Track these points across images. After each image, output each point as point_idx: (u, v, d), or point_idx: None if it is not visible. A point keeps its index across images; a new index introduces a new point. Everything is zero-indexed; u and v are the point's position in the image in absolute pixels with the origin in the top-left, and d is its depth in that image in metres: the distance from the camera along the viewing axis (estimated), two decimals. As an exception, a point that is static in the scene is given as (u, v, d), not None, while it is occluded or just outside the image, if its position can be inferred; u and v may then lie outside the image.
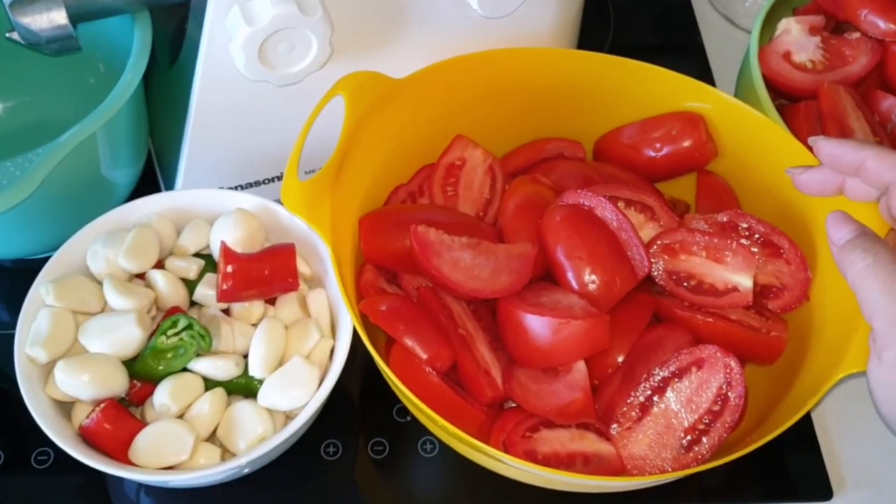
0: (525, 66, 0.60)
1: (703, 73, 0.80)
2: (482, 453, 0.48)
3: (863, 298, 0.46)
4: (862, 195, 0.51)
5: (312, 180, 0.52)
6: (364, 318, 0.52)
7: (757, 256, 0.55)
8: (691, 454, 0.49)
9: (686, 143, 0.59)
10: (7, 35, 0.54)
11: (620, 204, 0.55)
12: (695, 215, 0.57)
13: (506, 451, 0.49)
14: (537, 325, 0.50)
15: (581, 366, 0.50)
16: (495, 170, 0.60)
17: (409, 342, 0.51)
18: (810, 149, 0.52)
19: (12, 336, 0.52)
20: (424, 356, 0.51)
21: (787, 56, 0.65)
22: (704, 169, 0.61)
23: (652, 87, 0.60)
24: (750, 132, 0.58)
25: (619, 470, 0.50)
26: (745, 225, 0.56)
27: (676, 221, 0.56)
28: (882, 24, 0.63)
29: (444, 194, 0.59)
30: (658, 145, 0.60)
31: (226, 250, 0.53)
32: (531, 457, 0.49)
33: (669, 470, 0.49)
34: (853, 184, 0.51)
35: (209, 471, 0.49)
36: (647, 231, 0.55)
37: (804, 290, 0.55)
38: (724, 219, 0.56)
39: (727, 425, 0.49)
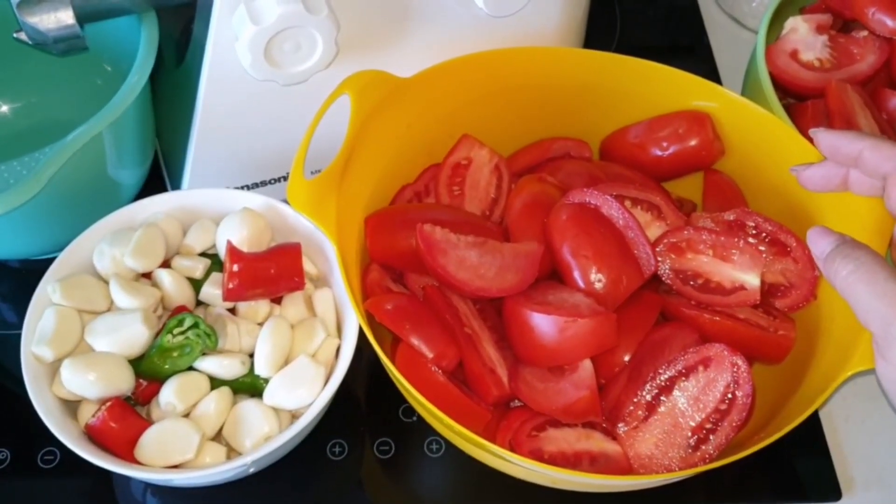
0: (531, 65, 0.60)
1: (710, 73, 0.80)
2: (488, 452, 0.48)
3: (854, 304, 0.46)
4: (866, 188, 0.51)
5: (318, 179, 0.52)
6: (370, 318, 0.52)
7: (764, 255, 0.55)
8: (698, 453, 0.49)
9: (693, 142, 0.59)
10: (14, 35, 0.54)
11: (627, 203, 0.55)
12: (701, 214, 0.56)
13: (512, 450, 0.49)
14: (543, 324, 0.50)
15: (587, 364, 0.50)
16: (501, 169, 0.60)
17: (414, 341, 0.51)
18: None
19: (19, 336, 0.52)
20: (430, 355, 0.51)
21: (794, 55, 0.64)
22: (711, 168, 0.61)
23: (658, 85, 0.60)
24: (757, 130, 0.58)
25: (626, 469, 0.50)
26: (752, 223, 0.55)
27: (683, 220, 0.56)
28: (890, 22, 0.63)
29: (451, 193, 0.59)
30: (665, 144, 0.60)
31: (232, 249, 0.53)
32: (537, 456, 0.49)
33: (676, 469, 0.49)
34: (856, 177, 0.51)
35: (215, 470, 0.49)
36: (654, 230, 0.55)
37: (812, 288, 0.54)
38: (731, 217, 0.56)
39: (734, 424, 0.49)
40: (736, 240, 0.53)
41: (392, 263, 0.56)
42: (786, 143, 0.57)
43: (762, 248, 0.55)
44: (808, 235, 0.50)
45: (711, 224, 0.55)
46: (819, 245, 0.49)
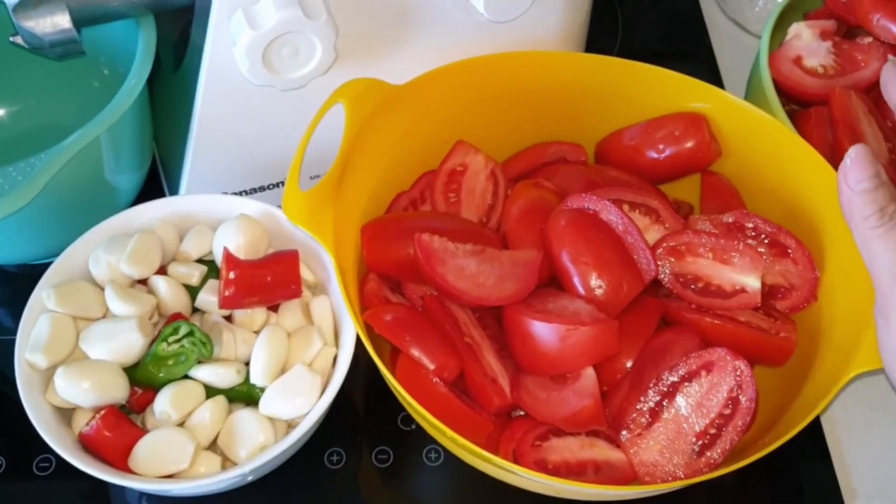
0: (525, 69, 0.59)
1: (713, 78, 0.79)
2: (493, 465, 0.47)
3: (870, 258, 0.44)
4: None
5: (314, 190, 0.51)
6: (369, 328, 0.51)
7: (764, 257, 0.54)
8: (703, 459, 0.49)
9: (689, 144, 0.59)
10: (11, 39, 0.54)
11: (625, 207, 0.55)
12: (700, 216, 0.56)
13: (516, 460, 0.48)
14: (544, 332, 0.49)
15: (590, 372, 0.50)
16: (497, 175, 0.59)
17: (415, 353, 0.50)
18: (818, 150, 0.51)
19: (14, 342, 0.51)
20: (431, 367, 0.50)
21: (797, 61, 0.64)
22: (708, 169, 0.60)
23: (654, 88, 0.59)
24: (754, 131, 0.58)
25: (631, 477, 0.49)
26: (751, 225, 0.55)
27: (681, 223, 0.56)
28: (894, 28, 0.63)
29: (447, 201, 0.58)
30: (661, 146, 0.59)
31: (228, 256, 0.53)
32: (542, 466, 0.48)
33: (682, 476, 0.48)
34: None
35: (209, 480, 0.49)
36: (653, 234, 0.55)
37: (812, 289, 0.54)
38: (730, 219, 0.55)
39: (739, 429, 0.49)
40: (735, 242, 0.53)
41: (389, 273, 0.55)
42: (783, 143, 0.56)
43: (762, 249, 0.54)
44: (849, 153, 0.45)
45: (710, 227, 0.55)
46: (858, 173, 0.45)
